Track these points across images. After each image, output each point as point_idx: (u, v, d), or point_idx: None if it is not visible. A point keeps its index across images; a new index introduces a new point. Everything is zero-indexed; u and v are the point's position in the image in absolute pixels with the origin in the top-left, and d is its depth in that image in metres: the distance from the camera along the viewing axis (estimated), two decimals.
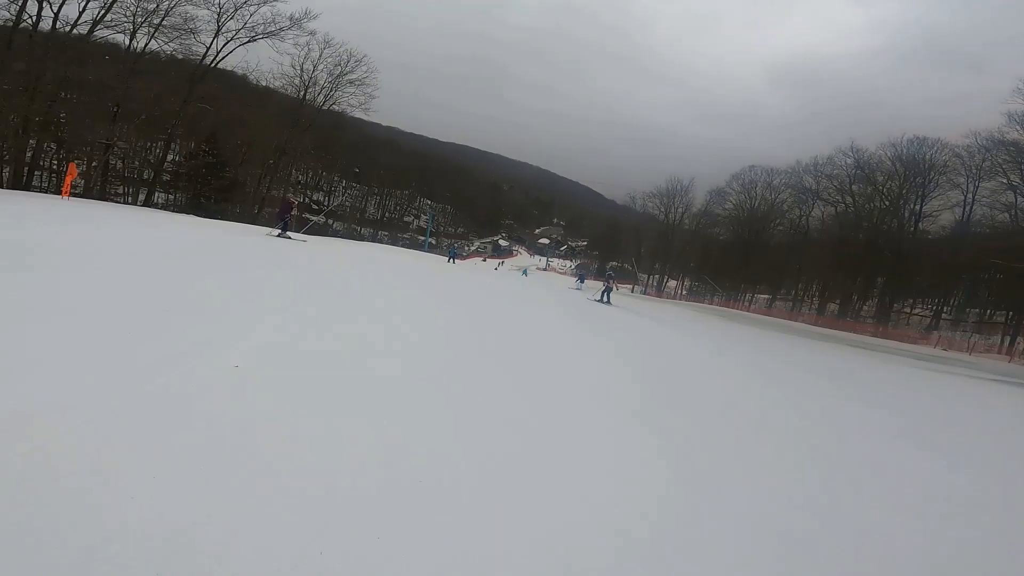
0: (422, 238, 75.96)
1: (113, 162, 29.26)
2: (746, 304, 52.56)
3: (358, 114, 40.38)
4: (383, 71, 40.71)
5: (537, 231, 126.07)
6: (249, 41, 32.04)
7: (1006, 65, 78.90)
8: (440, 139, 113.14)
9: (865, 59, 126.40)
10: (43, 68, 23.44)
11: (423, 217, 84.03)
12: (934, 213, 41.97)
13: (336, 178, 68.71)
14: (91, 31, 25.51)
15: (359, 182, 74.20)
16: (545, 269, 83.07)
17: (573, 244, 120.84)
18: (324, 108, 39.48)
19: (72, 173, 18.45)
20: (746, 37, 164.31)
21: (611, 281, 19.72)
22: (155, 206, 29.30)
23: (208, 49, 30.77)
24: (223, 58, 31.70)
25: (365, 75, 39.28)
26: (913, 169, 41.81)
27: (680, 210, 68.47)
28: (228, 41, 31.47)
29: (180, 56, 29.94)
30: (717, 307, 45.78)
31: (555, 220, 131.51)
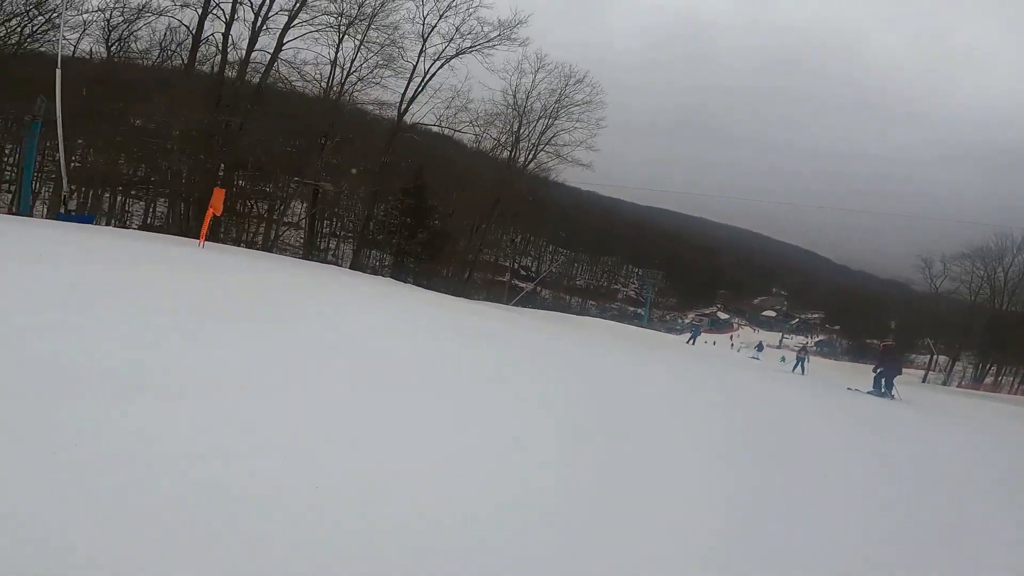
0: (632, 309, 66.99)
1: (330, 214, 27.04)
2: None
3: (577, 155, 33.69)
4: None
5: (756, 301, 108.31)
6: (455, 56, 29.28)
7: None
8: (639, 203, 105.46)
9: None
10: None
11: (631, 286, 75.29)
12: None
13: (543, 243, 64.39)
14: (288, 25, 22.93)
15: (567, 247, 68.95)
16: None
17: (805, 317, 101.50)
18: (540, 149, 33.26)
19: (216, 205, 11.09)
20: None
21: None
22: (365, 268, 25.79)
23: (414, 70, 28.86)
24: (430, 78, 29.47)
25: (589, 97, 32.23)
26: None
27: (1012, 272, 47.89)
28: (433, 61, 29.42)
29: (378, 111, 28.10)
30: None
31: (774, 289, 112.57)
